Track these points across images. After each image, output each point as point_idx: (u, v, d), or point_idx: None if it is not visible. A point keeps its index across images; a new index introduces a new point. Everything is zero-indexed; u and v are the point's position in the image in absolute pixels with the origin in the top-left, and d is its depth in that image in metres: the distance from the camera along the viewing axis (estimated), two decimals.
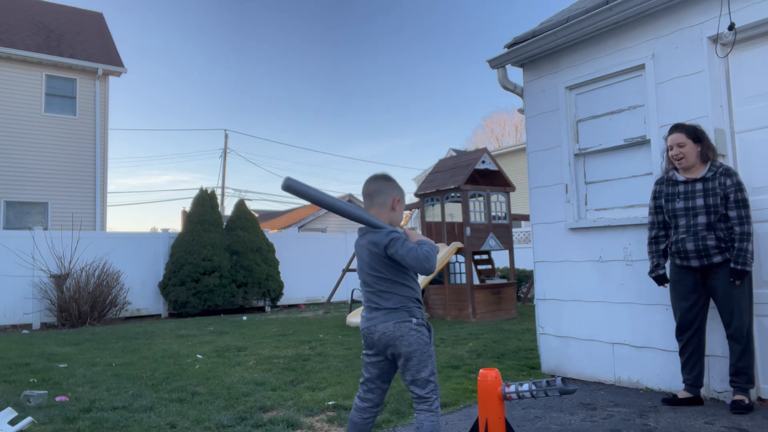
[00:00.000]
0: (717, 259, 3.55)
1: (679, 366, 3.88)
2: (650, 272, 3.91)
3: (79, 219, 14.33)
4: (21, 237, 11.18)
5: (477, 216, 10.14)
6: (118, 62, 16.52)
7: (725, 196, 3.54)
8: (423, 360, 2.47)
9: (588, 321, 4.61)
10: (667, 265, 3.90)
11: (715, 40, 3.92)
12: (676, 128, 3.73)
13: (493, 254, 12.84)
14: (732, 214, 3.53)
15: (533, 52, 4.96)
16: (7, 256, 10.86)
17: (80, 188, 15.49)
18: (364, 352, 2.63)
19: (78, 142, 15.59)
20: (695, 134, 3.65)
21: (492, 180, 10.78)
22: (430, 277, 9.53)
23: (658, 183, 3.87)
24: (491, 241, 10.12)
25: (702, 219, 3.59)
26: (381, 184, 2.65)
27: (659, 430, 3.24)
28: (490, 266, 10.91)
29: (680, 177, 3.73)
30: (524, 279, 12.65)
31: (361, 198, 2.79)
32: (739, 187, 3.54)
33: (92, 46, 16.87)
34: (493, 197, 10.39)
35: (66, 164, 15.33)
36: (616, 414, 3.61)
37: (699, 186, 3.63)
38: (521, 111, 5.51)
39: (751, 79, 3.83)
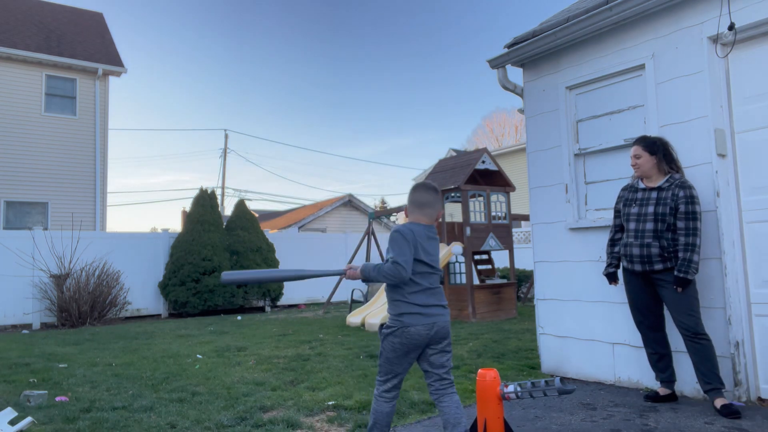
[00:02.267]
0: (658, 266, 3.72)
1: (677, 365, 3.91)
2: (603, 270, 4.17)
3: (79, 219, 14.33)
4: (21, 237, 11.18)
5: (477, 216, 10.13)
6: (118, 62, 16.52)
7: (676, 207, 3.70)
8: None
9: (588, 321, 4.61)
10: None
11: (715, 40, 3.92)
12: (637, 140, 3.94)
13: (493, 254, 12.84)
14: (680, 224, 3.69)
15: (533, 52, 4.96)
16: (7, 256, 10.85)
17: (80, 188, 15.48)
18: None
19: (78, 142, 15.59)
20: (651, 147, 3.85)
21: (492, 180, 10.78)
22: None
23: (623, 189, 4.09)
24: (491, 241, 10.12)
25: (650, 225, 3.76)
26: (434, 198, 2.82)
27: (659, 430, 3.24)
28: (490, 266, 10.91)
29: (641, 185, 3.91)
30: (524, 279, 12.64)
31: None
32: (691, 199, 3.68)
33: (92, 46, 16.87)
34: (493, 197, 10.39)
35: (66, 164, 15.33)
36: (616, 414, 3.61)
37: (654, 194, 3.81)
38: (521, 111, 5.51)
39: (751, 79, 3.83)
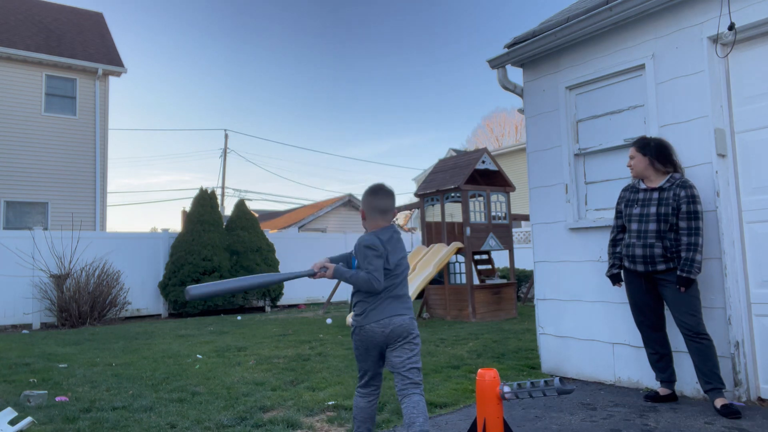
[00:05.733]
0: (661, 267, 3.72)
1: (677, 365, 3.91)
2: (606, 272, 4.14)
3: (79, 219, 14.33)
4: (21, 237, 11.18)
5: (477, 216, 10.14)
6: (118, 62, 16.52)
7: (678, 207, 3.70)
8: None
9: (588, 321, 4.61)
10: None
11: (715, 40, 3.92)
12: (633, 142, 3.98)
13: (493, 254, 12.84)
14: (682, 224, 3.69)
15: (533, 52, 4.96)
16: (7, 256, 10.85)
17: (80, 188, 15.48)
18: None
19: (78, 142, 15.59)
20: (644, 148, 3.87)
21: (492, 180, 10.78)
22: (431, 276, 9.51)
23: (624, 190, 4.08)
24: (491, 241, 10.12)
25: (652, 226, 3.76)
26: (393, 202, 2.97)
27: (659, 430, 3.24)
28: (490, 266, 10.91)
29: (642, 185, 3.92)
30: (524, 279, 12.64)
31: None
32: (692, 199, 3.68)
33: (92, 46, 16.87)
34: (493, 197, 10.39)
35: (66, 164, 15.33)
36: (616, 414, 3.61)
37: (655, 195, 3.82)
38: (521, 111, 5.51)
39: (751, 79, 3.83)
